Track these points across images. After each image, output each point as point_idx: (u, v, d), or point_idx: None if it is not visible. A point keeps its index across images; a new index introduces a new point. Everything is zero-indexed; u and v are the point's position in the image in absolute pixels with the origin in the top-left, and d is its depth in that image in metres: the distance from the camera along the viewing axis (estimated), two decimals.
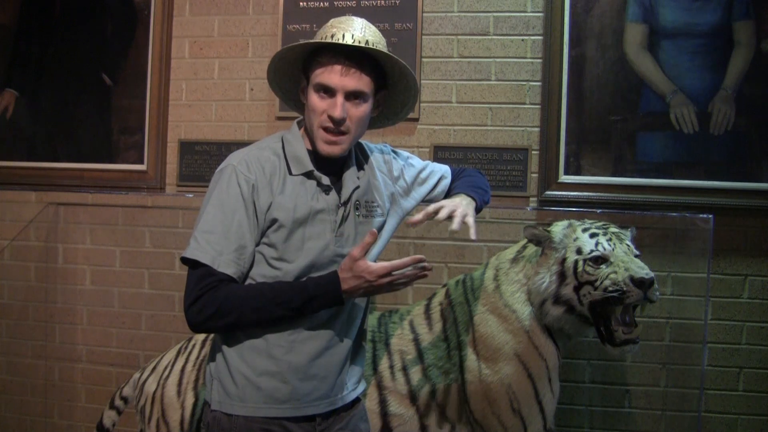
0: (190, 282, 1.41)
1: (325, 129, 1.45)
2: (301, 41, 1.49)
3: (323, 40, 1.45)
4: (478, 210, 1.63)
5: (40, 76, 2.82)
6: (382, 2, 2.57)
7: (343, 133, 1.46)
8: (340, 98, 1.43)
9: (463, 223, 1.50)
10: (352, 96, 1.45)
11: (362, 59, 1.45)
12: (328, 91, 1.44)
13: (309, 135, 1.51)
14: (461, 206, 1.54)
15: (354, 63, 1.44)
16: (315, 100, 1.45)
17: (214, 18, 2.73)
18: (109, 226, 2.80)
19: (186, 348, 2.16)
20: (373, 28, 1.50)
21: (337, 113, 1.43)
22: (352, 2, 2.58)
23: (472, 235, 1.50)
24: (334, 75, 1.43)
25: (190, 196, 2.67)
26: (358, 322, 1.58)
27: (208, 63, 2.73)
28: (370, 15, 2.54)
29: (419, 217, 1.49)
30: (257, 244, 1.46)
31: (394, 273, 1.40)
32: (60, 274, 2.84)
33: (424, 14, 2.56)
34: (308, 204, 1.47)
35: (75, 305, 2.83)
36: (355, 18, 1.49)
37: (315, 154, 1.51)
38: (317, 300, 1.41)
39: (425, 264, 1.41)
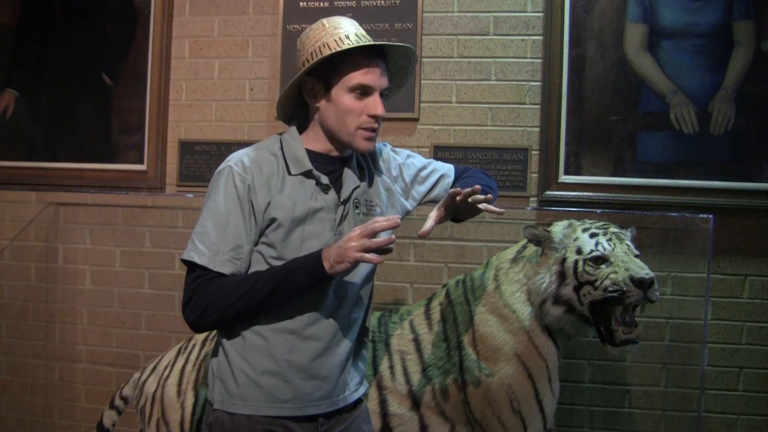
0: (186, 283, 1.44)
1: (365, 128, 1.48)
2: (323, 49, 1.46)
3: (364, 43, 1.45)
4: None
5: (40, 76, 2.82)
6: (382, 2, 2.57)
7: (376, 130, 1.50)
8: (377, 96, 1.47)
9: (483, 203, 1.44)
10: (381, 93, 1.50)
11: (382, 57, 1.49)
12: (363, 91, 1.46)
13: (333, 136, 1.51)
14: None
15: (382, 62, 1.48)
16: (351, 101, 1.46)
17: (214, 18, 2.73)
18: (109, 226, 2.80)
19: (186, 348, 2.16)
20: None
21: (380, 110, 1.47)
22: (352, 2, 2.58)
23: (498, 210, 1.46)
24: (374, 76, 1.46)
25: (190, 196, 2.67)
26: (360, 322, 1.58)
27: (208, 63, 2.73)
28: (370, 15, 2.55)
29: (428, 227, 1.47)
30: (256, 244, 1.47)
31: (364, 239, 1.35)
32: (60, 274, 2.84)
33: (424, 14, 2.56)
34: (307, 203, 1.47)
35: (75, 305, 2.83)
36: (345, 17, 1.51)
37: (314, 154, 1.51)
38: (299, 270, 1.39)
39: (392, 246, 1.36)
